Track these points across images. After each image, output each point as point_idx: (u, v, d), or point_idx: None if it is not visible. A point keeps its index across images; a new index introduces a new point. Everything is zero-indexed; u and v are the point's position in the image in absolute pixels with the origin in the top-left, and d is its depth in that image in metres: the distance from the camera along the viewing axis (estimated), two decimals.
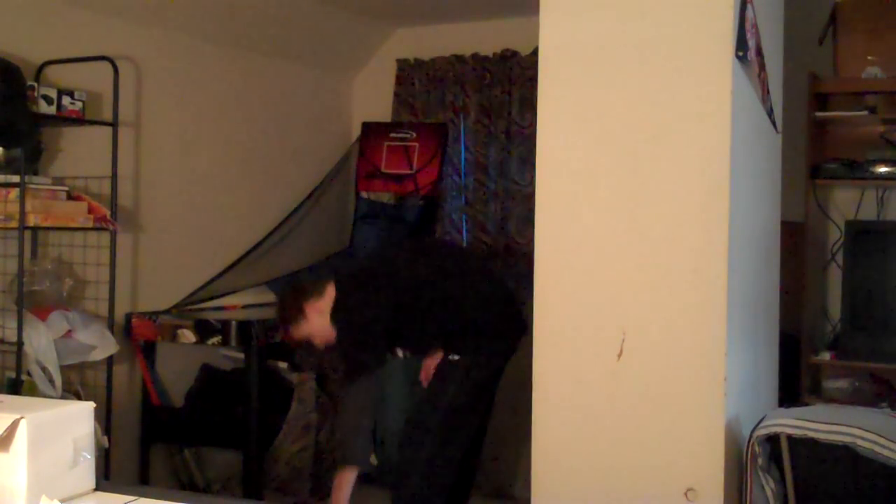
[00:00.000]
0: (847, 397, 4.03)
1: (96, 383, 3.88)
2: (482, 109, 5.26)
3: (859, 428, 2.49)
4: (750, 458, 2.68)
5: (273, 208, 5.03)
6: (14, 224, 3.42)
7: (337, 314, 3.54)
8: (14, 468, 1.44)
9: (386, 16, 5.33)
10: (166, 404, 4.35)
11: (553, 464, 2.99)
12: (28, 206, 3.44)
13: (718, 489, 2.75)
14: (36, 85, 3.62)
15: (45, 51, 3.81)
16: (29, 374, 3.45)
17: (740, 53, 2.82)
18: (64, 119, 3.71)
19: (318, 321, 3.55)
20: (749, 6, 2.89)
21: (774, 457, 2.67)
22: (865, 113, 4.13)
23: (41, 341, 3.45)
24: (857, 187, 4.33)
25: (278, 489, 4.34)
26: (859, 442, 2.47)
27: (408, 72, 5.46)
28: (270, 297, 4.89)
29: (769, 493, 2.66)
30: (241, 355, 4.27)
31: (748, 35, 2.88)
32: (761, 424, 2.67)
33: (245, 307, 4.75)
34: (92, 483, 1.57)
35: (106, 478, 1.82)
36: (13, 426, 1.43)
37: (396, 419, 4.91)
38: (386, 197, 5.40)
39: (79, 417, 1.55)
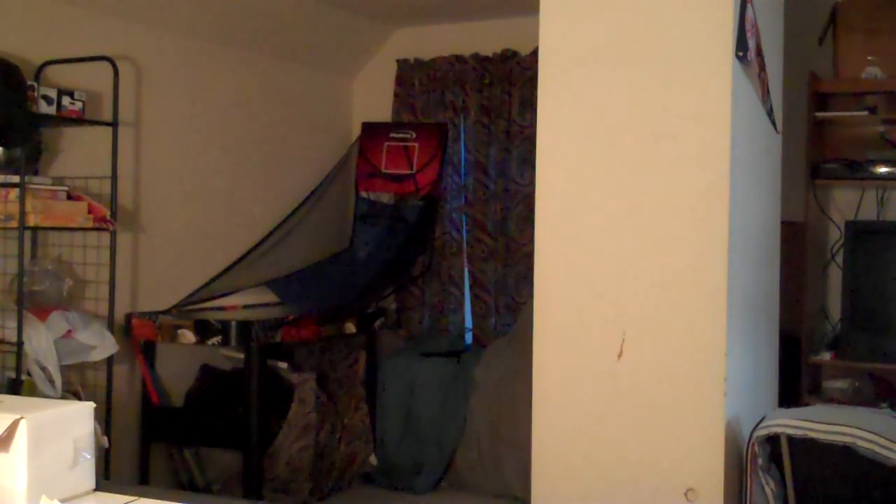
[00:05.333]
0: (847, 397, 4.03)
1: (96, 383, 3.88)
2: (482, 109, 5.26)
3: (859, 428, 2.49)
4: (750, 458, 2.68)
5: (273, 208, 5.02)
6: (14, 224, 3.42)
7: None
8: (14, 468, 1.44)
9: (386, 16, 5.33)
10: (166, 404, 4.35)
11: (553, 464, 2.99)
12: (28, 206, 3.43)
13: (718, 489, 2.75)
14: (36, 85, 3.62)
15: (45, 51, 3.81)
16: (29, 374, 3.45)
17: (740, 53, 2.82)
18: (64, 119, 3.71)
19: None
20: (749, 6, 2.89)
21: (774, 457, 2.67)
22: (865, 113, 4.13)
23: (41, 341, 3.45)
24: (857, 187, 4.33)
25: (278, 489, 4.34)
26: (859, 442, 2.47)
27: (408, 72, 5.46)
28: (270, 297, 4.89)
29: (769, 493, 2.66)
30: (241, 355, 4.27)
31: (748, 35, 2.88)
32: (761, 424, 2.67)
33: (245, 307, 4.75)
34: (92, 483, 1.57)
35: (106, 478, 1.82)
36: (13, 426, 1.43)
37: (396, 420, 4.92)
38: (386, 197, 5.39)
39: (79, 417, 1.55)
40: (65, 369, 3.56)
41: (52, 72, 3.82)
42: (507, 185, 5.17)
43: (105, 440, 3.58)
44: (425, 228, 5.28)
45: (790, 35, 3.58)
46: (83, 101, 3.74)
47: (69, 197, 3.71)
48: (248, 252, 4.83)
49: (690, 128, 2.82)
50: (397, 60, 5.50)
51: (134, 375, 4.28)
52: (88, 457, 1.55)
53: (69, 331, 3.61)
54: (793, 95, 3.78)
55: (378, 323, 4.94)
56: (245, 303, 4.78)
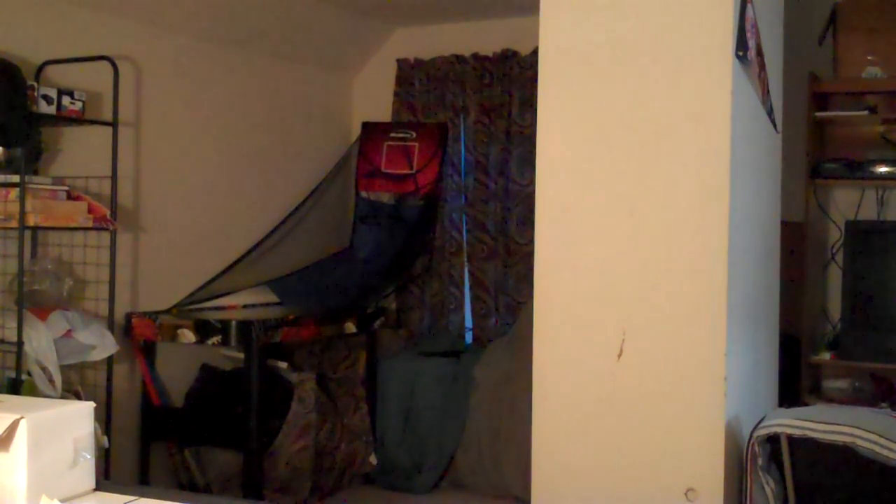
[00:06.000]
0: (847, 397, 4.04)
1: (96, 383, 3.88)
2: (482, 109, 5.26)
3: (859, 428, 2.49)
4: (750, 458, 2.68)
5: (273, 208, 5.02)
6: (14, 224, 3.42)
7: None
8: (14, 468, 1.44)
9: (386, 16, 5.33)
10: (166, 404, 4.35)
11: (553, 464, 2.99)
12: (28, 206, 3.43)
13: (718, 489, 2.75)
14: (36, 85, 3.62)
15: (45, 51, 3.81)
16: (29, 374, 3.45)
17: (740, 53, 2.82)
18: (64, 119, 3.71)
19: None
20: (749, 6, 2.89)
21: (774, 457, 2.67)
22: (865, 113, 4.14)
23: (41, 341, 3.45)
24: (857, 187, 4.33)
25: (278, 489, 4.33)
26: (859, 442, 2.47)
27: (408, 72, 5.46)
28: (270, 297, 4.89)
29: (769, 493, 2.66)
30: (241, 355, 4.27)
31: (748, 35, 2.88)
32: (761, 424, 2.67)
33: (245, 307, 4.75)
34: (92, 483, 1.57)
35: (106, 478, 1.83)
36: (13, 426, 1.43)
37: (396, 420, 4.92)
38: (386, 197, 5.40)
39: (79, 417, 1.55)
40: (65, 369, 3.56)
41: (52, 72, 3.82)
42: (507, 185, 5.17)
43: (105, 440, 3.58)
44: (425, 228, 5.28)
45: (790, 35, 3.58)
46: (83, 101, 3.74)
47: (69, 197, 3.71)
48: (248, 252, 4.83)
49: (690, 128, 2.82)
50: (397, 60, 5.50)
51: (134, 375, 4.28)
52: (88, 457, 1.55)
53: (69, 331, 3.61)
54: (793, 95, 3.78)
55: (378, 323, 4.94)
56: (245, 303, 4.78)
